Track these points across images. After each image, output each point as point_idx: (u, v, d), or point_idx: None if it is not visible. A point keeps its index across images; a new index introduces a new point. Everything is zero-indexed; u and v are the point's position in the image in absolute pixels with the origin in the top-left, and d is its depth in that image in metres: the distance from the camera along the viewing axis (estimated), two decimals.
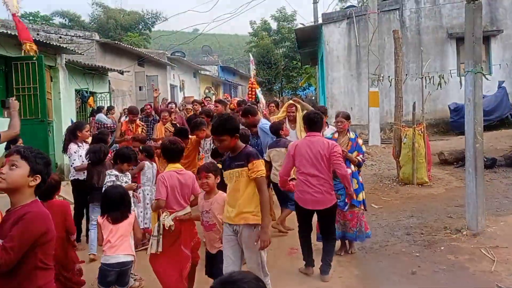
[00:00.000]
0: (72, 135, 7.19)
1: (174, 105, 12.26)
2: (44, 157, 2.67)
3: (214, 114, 8.50)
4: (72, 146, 7.04)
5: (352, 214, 5.87)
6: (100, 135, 7.95)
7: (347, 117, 6.12)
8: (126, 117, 11.39)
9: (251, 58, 19.15)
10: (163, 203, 4.54)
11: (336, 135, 6.08)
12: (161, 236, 4.52)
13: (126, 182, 5.69)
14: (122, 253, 4.30)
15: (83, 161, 6.88)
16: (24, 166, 2.57)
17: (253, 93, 15.87)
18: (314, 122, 5.38)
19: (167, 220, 4.48)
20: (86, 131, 7.26)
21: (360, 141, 6.04)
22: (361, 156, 5.98)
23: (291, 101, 8.11)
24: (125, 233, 4.37)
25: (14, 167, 2.56)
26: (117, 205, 4.39)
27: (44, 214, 2.59)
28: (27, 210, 2.52)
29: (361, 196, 5.90)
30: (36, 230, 2.50)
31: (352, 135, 6.04)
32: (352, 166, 5.87)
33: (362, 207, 5.99)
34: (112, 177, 5.62)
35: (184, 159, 7.11)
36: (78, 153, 6.96)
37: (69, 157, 7.15)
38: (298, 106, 7.88)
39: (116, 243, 4.29)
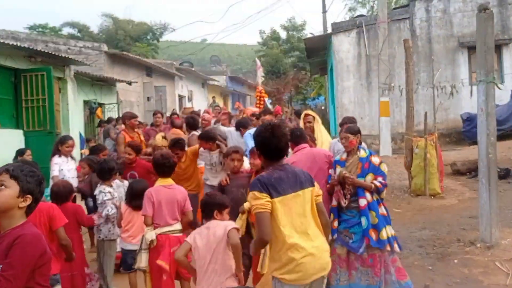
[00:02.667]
0: (56, 148, 7.06)
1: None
2: (36, 175, 2.50)
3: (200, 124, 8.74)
4: (55, 158, 6.96)
5: (373, 259, 4.54)
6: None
7: (353, 132, 4.83)
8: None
9: (258, 63, 18.13)
10: (150, 220, 4.56)
11: (344, 155, 4.87)
12: (146, 251, 4.54)
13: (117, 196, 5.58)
14: (137, 243, 4.85)
15: (64, 176, 6.76)
16: (14, 186, 2.38)
17: (262, 102, 15.07)
18: (296, 135, 5.12)
19: (149, 234, 4.51)
20: (67, 147, 6.99)
21: (375, 160, 4.76)
22: (380, 179, 4.65)
23: (306, 111, 7.45)
24: (140, 226, 4.96)
25: (2, 187, 2.37)
26: (139, 196, 4.86)
27: (38, 235, 2.41)
28: (20, 232, 2.35)
29: (384, 233, 4.52)
30: (34, 252, 2.33)
31: (363, 153, 4.77)
32: (368, 195, 4.60)
33: (389, 248, 4.58)
34: (107, 195, 5.45)
35: (182, 175, 6.63)
36: (60, 166, 6.87)
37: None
38: (316, 116, 7.12)
39: (133, 233, 5.07)
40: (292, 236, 3.08)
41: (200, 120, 9.26)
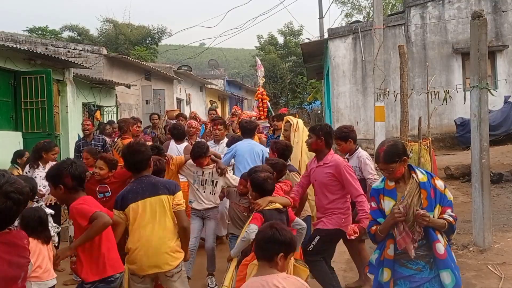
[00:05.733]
0: (37, 154, 6.67)
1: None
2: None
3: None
4: (26, 167, 6.70)
5: None
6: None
7: (397, 156, 3.25)
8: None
9: (258, 62, 16.66)
10: None
11: (391, 183, 3.35)
12: None
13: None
14: (52, 277, 4.02)
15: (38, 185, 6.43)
16: None
17: (265, 105, 13.82)
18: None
19: None
20: (53, 154, 6.66)
21: (440, 185, 3.29)
22: (449, 211, 3.28)
23: (286, 117, 6.47)
24: (50, 256, 4.05)
25: None
26: (45, 225, 4.15)
27: None
28: None
29: None
30: None
31: (422, 176, 3.28)
32: (441, 238, 3.22)
33: None
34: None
35: None
36: (31, 175, 6.50)
37: None
38: (297, 122, 6.23)
39: (48, 267, 3.99)
40: (134, 236, 3.77)
41: (186, 127, 7.87)
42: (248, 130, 6.76)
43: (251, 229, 3.85)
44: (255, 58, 19.90)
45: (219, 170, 5.58)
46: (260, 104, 13.76)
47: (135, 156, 3.90)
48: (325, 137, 4.68)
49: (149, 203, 3.75)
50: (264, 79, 15.40)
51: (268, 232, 2.65)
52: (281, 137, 6.15)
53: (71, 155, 11.58)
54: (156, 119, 10.44)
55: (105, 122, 14.57)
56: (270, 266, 2.58)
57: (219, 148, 7.05)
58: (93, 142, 8.60)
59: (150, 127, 10.94)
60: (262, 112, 13.46)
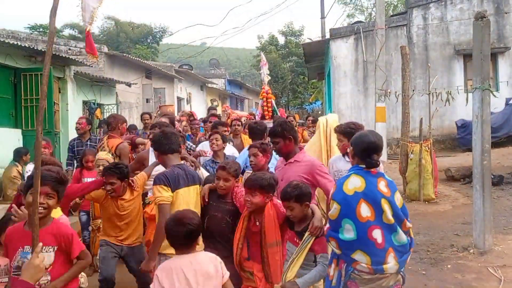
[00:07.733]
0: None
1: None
2: None
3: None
4: (29, 166, 6.87)
5: None
6: None
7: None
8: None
9: (264, 59, 15.24)
10: None
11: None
12: None
13: None
14: None
15: None
16: None
17: (270, 105, 12.74)
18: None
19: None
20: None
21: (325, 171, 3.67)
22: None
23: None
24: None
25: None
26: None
27: None
28: None
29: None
30: None
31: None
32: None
33: None
34: None
35: (122, 218, 4.59)
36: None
37: None
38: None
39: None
40: None
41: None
42: (258, 131, 5.91)
43: (327, 259, 3.39)
44: (260, 55, 19.42)
45: (192, 165, 4.91)
46: (265, 104, 13.13)
47: (171, 139, 4.11)
48: (292, 134, 4.28)
49: (191, 190, 4.00)
50: (269, 77, 14.72)
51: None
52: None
53: None
54: (147, 119, 9.28)
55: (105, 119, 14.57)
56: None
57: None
58: (89, 143, 7.40)
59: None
60: (267, 112, 12.77)
